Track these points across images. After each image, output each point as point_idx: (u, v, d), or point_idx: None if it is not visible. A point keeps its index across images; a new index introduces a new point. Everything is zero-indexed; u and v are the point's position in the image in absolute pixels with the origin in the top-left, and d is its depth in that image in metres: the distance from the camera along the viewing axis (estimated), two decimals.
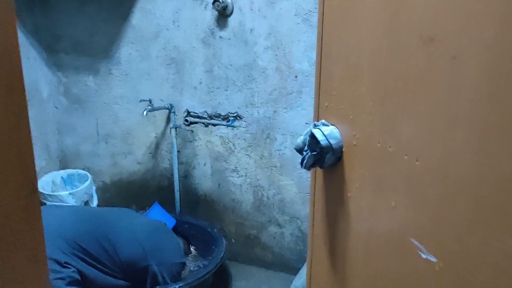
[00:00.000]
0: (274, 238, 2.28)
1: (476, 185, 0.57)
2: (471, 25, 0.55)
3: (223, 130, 2.22)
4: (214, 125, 2.23)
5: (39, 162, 2.43)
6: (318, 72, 0.87)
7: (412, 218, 0.68)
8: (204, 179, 2.34)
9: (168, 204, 2.38)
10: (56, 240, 1.57)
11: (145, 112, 2.09)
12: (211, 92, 2.19)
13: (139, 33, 2.22)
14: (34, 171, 0.53)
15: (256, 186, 2.24)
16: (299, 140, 0.86)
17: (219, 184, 2.31)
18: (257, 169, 2.20)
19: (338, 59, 0.82)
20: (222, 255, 2.03)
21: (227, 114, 2.19)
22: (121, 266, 1.70)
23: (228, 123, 2.20)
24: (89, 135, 2.48)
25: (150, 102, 2.23)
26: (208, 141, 2.27)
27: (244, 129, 2.18)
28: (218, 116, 2.21)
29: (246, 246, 2.36)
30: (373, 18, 0.72)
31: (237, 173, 2.26)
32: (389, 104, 0.70)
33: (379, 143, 0.73)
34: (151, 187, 2.46)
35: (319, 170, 0.93)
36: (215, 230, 2.23)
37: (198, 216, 2.37)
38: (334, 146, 0.82)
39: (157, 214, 2.21)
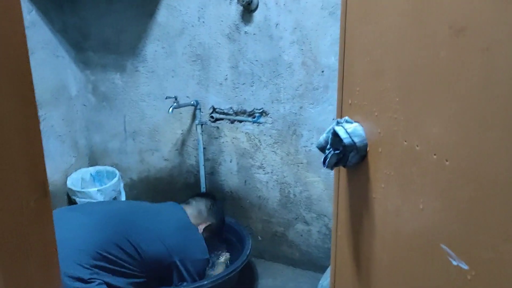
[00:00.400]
0: (301, 235, 2.24)
1: (511, 188, 0.52)
2: (506, 13, 0.50)
3: (248, 126, 2.20)
4: (240, 121, 2.21)
5: (69, 159, 2.46)
6: (341, 67, 0.83)
7: (441, 222, 0.63)
8: (230, 176, 2.32)
9: None
10: (76, 255, 1.52)
11: (170, 109, 2.09)
12: (237, 88, 2.16)
13: (165, 30, 2.21)
14: (45, 174, 0.51)
15: (282, 183, 2.21)
16: (321, 138, 0.83)
17: (245, 181, 2.29)
18: (284, 166, 2.17)
19: (361, 53, 0.77)
20: (248, 253, 2.02)
21: (252, 110, 2.16)
22: (145, 266, 1.69)
23: (253, 119, 2.17)
24: (117, 132, 2.50)
25: (176, 99, 2.22)
26: (234, 137, 2.25)
27: (270, 125, 2.15)
28: (243, 112, 2.19)
29: (273, 244, 2.34)
30: (398, 7, 0.68)
31: (263, 170, 2.23)
32: (416, 100, 0.65)
33: (405, 141, 0.69)
34: (177, 184, 2.46)
35: (343, 169, 0.89)
36: (241, 228, 2.21)
37: (225, 213, 2.35)
38: (358, 144, 0.78)
39: None
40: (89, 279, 1.49)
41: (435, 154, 0.63)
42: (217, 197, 2.37)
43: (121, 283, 1.60)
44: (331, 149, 0.81)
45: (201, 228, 1.97)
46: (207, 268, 1.91)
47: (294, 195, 2.20)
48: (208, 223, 2.01)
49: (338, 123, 0.81)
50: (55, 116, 2.35)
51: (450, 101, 0.59)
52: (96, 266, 1.54)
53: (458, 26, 0.57)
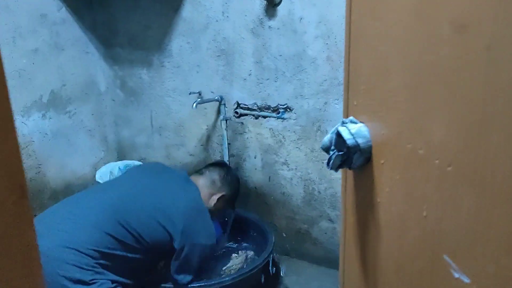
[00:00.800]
0: (326, 233, 2.20)
1: None
2: (506, 10, 0.46)
3: (272, 122, 2.17)
4: (264, 117, 2.19)
5: (98, 153, 2.51)
6: (346, 64, 0.80)
7: (444, 231, 0.60)
8: (254, 172, 2.31)
9: None
10: (74, 257, 1.47)
11: (194, 105, 2.09)
12: (261, 83, 2.14)
13: (190, 25, 2.22)
14: (23, 176, 0.51)
15: (306, 180, 2.18)
16: (326, 138, 0.80)
17: (269, 177, 2.28)
18: (308, 162, 2.13)
19: (366, 50, 0.74)
20: (271, 250, 2.00)
21: (276, 106, 2.14)
22: (146, 250, 1.64)
23: (278, 115, 2.15)
24: (144, 127, 2.53)
25: (200, 94, 2.22)
26: (258, 133, 2.23)
27: (294, 121, 2.12)
28: (267, 108, 2.17)
29: (297, 241, 2.31)
30: (403, 2, 0.64)
31: (287, 166, 2.21)
32: (420, 101, 0.62)
33: (409, 144, 0.65)
34: None
35: (350, 172, 0.86)
36: (264, 224, 2.20)
37: (249, 209, 2.35)
38: (361, 145, 0.75)
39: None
40: (90, 280, 1.46)
41: (437, 159, 0.59)
42: (242, 193, 2.36)
43: (124, 275, 1.58)
44: (335, 150, 0.78)
45: (214, 198, 1.91)
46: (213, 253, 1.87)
47: (319, 192, 2.16)
48: (222, 193, 1.93)
49: (343, 123, 0.78)
50: (84, 111, 2.40)
51: (453, 103, 0.55)
52: (97, 265, 1.50)
53: (459, 22, 0.53)
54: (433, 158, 0.60)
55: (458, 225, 0.56)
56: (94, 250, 1.51)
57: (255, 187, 2.33)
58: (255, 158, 2.28)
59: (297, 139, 2.13)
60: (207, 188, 1.91)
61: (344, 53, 0.81)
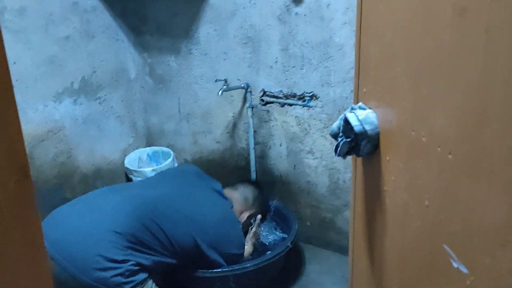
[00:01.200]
0: None
1: (511, 189, 0.47)
2: None
3: (298, 110, 2.16)
4: (290, 105, 2.18)
5: (127, 139, 2.57)
6: (357, 50, 0.78)
7: (444, 221, 0.59)
8: (280, 159, 2.30)
9: None
10: (111, 237, 1.53)
11: (220, 92, 2.10)
12: (287, 71, 2.13)
13: (217, 12, 2.22)
14: (25, 156, 0.53)
15: (332, 169, 2.16)
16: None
17: (294, 166, 2.27)
18: (333, 151, 2.11)
19: (375, 36, 0.72)
20: (293, 238, 2.00)
21: (302, 94, 2.12)
22: (176, 253, 1.68)
23: (303, 103, 2.13)
24: (172, 114, 2.56)
25: (226, 81, 2.23)
26: (283, 121, 2.22)
27: (320, 109, 2.10)
28: (293, 95, 2.15)
29: (321, 230, 2.30)
30: None
31: (313, 155, 2.19)
32: (422, 88, 0.60)
33: (413, 131, 0.63)
34: (229, 166, 2.49)
35: (359, 160, 0.85)
36: (289, 212, 2.20)
37: (274, 197, 2.35)
38: (369, 132, 0.73)
39: None
40: (122, 260, 1.51)
41: (439, 147, 0.58)
42: (267, 180, 2.37)
43: (154, 264, 1.62)
44: (343, 137, 0.77)
45: (245, 215, 1.98)
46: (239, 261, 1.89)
47: (344, 181, 2.14)
48: (252, 211, 2.01)
49: (351, 109, 0.77)
50: (115, 98, 2.45)
51: (453, 90, 0.54)
52: (130, 248, 1.55)
53: (460, 6, 0.51)
54: (435, 145, 0.58)
55: (457, 215, 0.55)
56: (131, 235, 1.56)
57: (280, 175, 2.33)
58: (280, 146, 2.28)
59: (323, 127, 2.11)
60: (239, 205, 1.98)
61: (355, 38, 0.79)
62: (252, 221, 2.04)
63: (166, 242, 1.64)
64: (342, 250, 2.25)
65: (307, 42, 2.03)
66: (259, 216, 2.04)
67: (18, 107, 1.86)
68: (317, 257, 2.27)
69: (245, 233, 1.98)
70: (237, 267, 1.83)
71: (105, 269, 1.49)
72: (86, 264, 1.49)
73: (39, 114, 2.07)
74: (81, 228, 1.56)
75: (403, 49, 0.64)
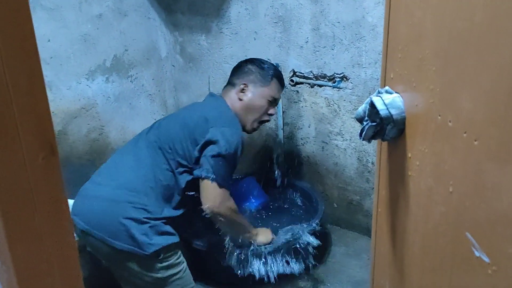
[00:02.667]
0: None
1: None
2: None
3: (328, 91, 2.13)
4: (320, 86, 2.15)
5: (158, 117, 2.60)
6: (386, 32, 0.76)
7: (468, 208, 0.57)
8: (308, 141, 2.29)
9: (272, 164, 2.40)
10: (130, 197, 1.59)
11: None
12: (317, 51, 2.10)
13: None
14: (53, 133, 0.55)
15: (360, 151, 2.14)
16: (360, 108, 0.78)
17: (322, 147, 2.25)
18: (358, 135, 2.08)
19: (405, 16, 0.70)
20: (319, 220, 2.00)
21: (333, 75, 2.09)
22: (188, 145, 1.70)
23: (333, 84, 2.10)
24: (202, 93, 2.57)
25: None
26: (313, 102, 2.20)
27: (350, 90, 2.07)
28: (323, 76, 2.13)
29: (349, 212, 2.29)
30: None
31: (342, 137, 2.17)
32: (451, 71, 0.58)
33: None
34: (257, 146, 2.49)
35: (384, 144, 0.83)
36: (315, 193, 2.20)
37: (301, 178, 2.35)
38: (395, 116, 0.72)
39: (250, 187, 2.22)
40: (144, 218, 1.56)
41: (465, 132, 0.56)
42: (295, 161, 2.36)
43: (177, 205, 1.67)
44: (368, 121, 0.75)
45: (238, 94, 1.87)
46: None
47: (373, 164, 2.12)
48: (242, 83, 1.87)
49: (378, 93, 0.75)
50: (146, 76, 2.48)
51: (482, 73, 0.52)
52: (152, 202, 1.60)
53: None
54: (462, 131, 0.56)
55: (482, 202, 0.53)
56: (151, 187, 1.62)
57: (308, 156, 2.32)
58: (309, 127, 2.26)
59: (353, 109, 2.08)
60: (230, 93, 1.88)
61: (384, 19, 0.77)
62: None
63: (180, 160, 1.68)
64: (369, 232, 2.24)
65: (338, 22, 1.99)
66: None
67: (52, 84, 1.94)
68: (344, 239, 2.27)
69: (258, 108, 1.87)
70: (264, 247, 1.84)
71: (130, 228, 1.53)
72: (114, 228, 1.55)
73: (72, 91, 2.12)
74: (103, 197, 1.62)
75: (432, 30, 0.62)
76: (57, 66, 2.04)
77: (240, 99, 1.85)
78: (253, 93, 1.86)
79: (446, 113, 0.60)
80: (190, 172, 1.69)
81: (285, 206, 2.28)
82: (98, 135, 2.29)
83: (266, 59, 2.23)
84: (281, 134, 2.32)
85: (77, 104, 2.16)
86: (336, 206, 2.32)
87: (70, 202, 1.92)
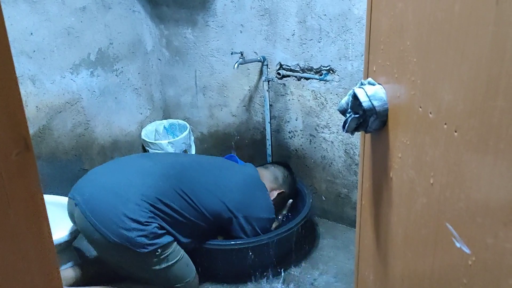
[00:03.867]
0: None
1: None
2: None
3: (315, 84, 2.13)
4: (307, 78, 2.15)
5: (144, 111, 2.58)
6: (368, 21, 0.76)
7: (449, 199, 0.57)
8: (295, 134, 2.29)
9: (260, 158, 2.39)
10: (138, 199, 1.59)
11: (236, 65, 2.08)
12: (304, 44, 2.09)
13: None
14: (26, 129, 0.53)
15: (348, 144, 2.14)
16: (343, 100, 0.77)
17: (310, 140, 2.25)
18: (341, 127, 2.08)
19: (386, 7, 0.69)
20: (307, 212, 2.01)
21: (319, 68, 2.09)
22: (205, 217, 1.74)
23: (320, 77, 2.10)
24: (188, 86, 2.56)
25: (242, 54, 2.21)
26: (300, 95, 2.20)
27: (337, 83, 2.06)
28: (310, 69, 2.12)
29: (337, 205, 2.30)
30: None
31: (329, 130, 2.17)
32: (431, 62, 0.58)
33: (420, 107, 0.62)
34: (245, 140, 2.48)
35: (368, 136, 0.83)
36: (303, 186, 2.20)
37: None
38: (377, 108, 0.72)
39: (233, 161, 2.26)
40: (145, 221, 1.56)
41: (445, 124, 0.56)
42: (283, 154, 2.36)
43: (178, 229, 1.67)
44: (351, 113, 0.75)
45: (274, 193, 1.99)
46: (270, 227, 1.94)
47: None
48: (282, 190, 2.03)
49: (361, 85, 0.75)
50: (131, 70, 2.46)
51: (460, 64, 0.52)
52: (155, 210, 1.60)
53: None
54: (442, 122, 0.56)
55: (461, 193, 0.53)
56: (158, 199, 1.62)
57: (296, 150, 2.32)
58: (296, 120, 2.26)
59: (340, 101, 2.08)
60: (269, 182, 2.00)
61: (366, 11, 0.76)
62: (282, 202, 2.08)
63: (194, 206, 1.69)
64: None
65: (325, 15, 1.98)
66: (290, 201, 2.10)
67: (35, 78, 1.92)
68: (332, 231, 2.28)
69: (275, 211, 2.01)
70: (252, 240, 1.85)
71: (130, 230, 1.54)
72: (112, 222, 1.56)
73: (56, 85, 2.09)
74: (111, 187, 1.63)
75: (413, 21, 0.61)
76: (40, 60, 2.01)
77: (273, 199, 1.97)
78: (279, 202, 2.03)
79: (427, 105, 0.59)
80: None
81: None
82: (84, 130, 2.26)
83: (253, 52, 2.23)
84: (268, 127, 2.31)
85: (61, 99, 2.13)
86: (324, 199, 2.33)
87: (54, 197, 1.91)
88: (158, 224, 1.61)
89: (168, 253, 1.62)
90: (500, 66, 0.44)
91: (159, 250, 1.58)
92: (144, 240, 1.56)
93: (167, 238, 1.62)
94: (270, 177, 2.02)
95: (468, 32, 0.49)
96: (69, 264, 1.83)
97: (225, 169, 1.91)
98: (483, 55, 0.47)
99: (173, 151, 2.37)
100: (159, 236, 1.60)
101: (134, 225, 1.55)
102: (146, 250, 1.56)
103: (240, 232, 1.82)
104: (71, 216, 1.70)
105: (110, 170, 1.75)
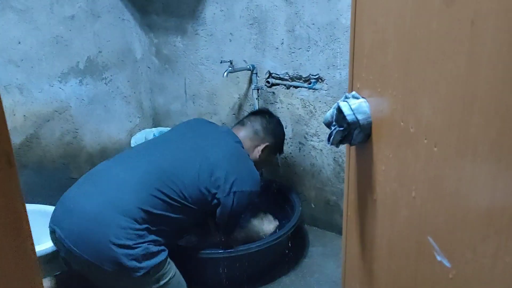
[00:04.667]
0: None
1: (491, 183, 0.46)
2: None
3: (304, 92, 2.14)
4: (296, 87, 2.16)
5: (134, 119, 2.58)
6: (352, 35, 0.77)
7: (429, 213, 0.58)
8: (285, 142, 2.30)
9: None
10: (118, 220, 1.48)
11: (225, 73, 2.09)
12: (293, 53, 2.10)
13: None
14: (9, 143, 0.53)
15: (336, 152, 2.15)
16: (328, 113, 0.78)
17: (299, 148, 2.26)
18: (326, 140, 2.09)
19: (369, 22, 0.71)
20: (297, 220, 2.01)
21: (308, 76, 2.10)
22: (193, 211, 1.64)
23: (309, 85, 2.11)
24: (178, 94, 2.56)
25: (231, 63, 2.22)
26: (289, 103, 2.21)
27: (326, 92, 2.08)
28: (299, 78, 2.13)
29: (326, 212, 2.31)
30: None
31: (318, 137, 2.18)
32: (411, 77, 0.59)
33: (402, 122, 0.62)
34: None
35: (352, 148, 0.84)
36: (292, 194, 2.20)
37: (278, 178, 2.35)
38: (361, 122, 0.72)
39: None
40: (134, 244, 1.47)
41: (426, 138, 0.57)
42: (272, 162, 2.37)
43: (168, 236, 1.59)
44: (336, 126, 0.76)
45: (259, 149, 1.88)
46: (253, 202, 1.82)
47: None
48: (266, 143, 1.90)
49: (345, 98, 0.76)
50: (121, 78, 2.45)
51: (439, 80, 0.53)
52: (140, 225, 1.50)
53: None
54: (423, 137, 0.57)
55: (441, 208, 0.54)
56: (140, 208, 1.51)
57: (285, 157, 2.33)
58: (285, 128, 2.26)
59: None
60: (251, 140, 1.88)
61: (350, 24, 0.77)
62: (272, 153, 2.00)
63: (178, 199, 1.59)
64: None
65: (313, 24, 2.00)
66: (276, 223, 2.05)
67: (23, 87, 1.91)
68: (321, 239, 2.28)
69: (264, 165, 1.99)
70: (241, 248, 1.84)
71: (120, 256, 1.45)
72: (101, 253, 1.46)
73: (45, 94, 2.09)
74: (89, 212, 1.51)
75: (394, 36, 0.62)
76: (28, 68, 2.00)
77: (258, 157, 1.89)
78: (267, 156, 1.94)
79: (408, 119, 0.60)
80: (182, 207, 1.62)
81: (263, 207, 2.27)
82: (72, 138, 2.25)
83: (242, 61, 2.24)
84: None
85: (49, 107, 2.12)
86: (313, 206, 2.33)
87: (42, 207, 1.89)
88: (149, 241, 1.51)
89: (161, 273, 1.55)
90: (475, 84, 0.45)
91: (151, 271, 1.51)
92: (135, 264, 1.47)
93: (159, 258, 1.53)
94: (249, 134, 1.88)
95: (444, 50, 0.50)
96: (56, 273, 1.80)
97: (204, 152, 1.71)
98: (459, 72, 0.48)
99: None
100: (152, 255, 1.51)
101: (122, 250, 1.46)
102: (139, 274, 1.47)
103: (228, 213, 1.69)
104: (56, 245, 1.60)
105: (83, 191, 1.60)
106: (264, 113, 2.00)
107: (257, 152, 1.89)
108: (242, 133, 1.88)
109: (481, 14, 0.44)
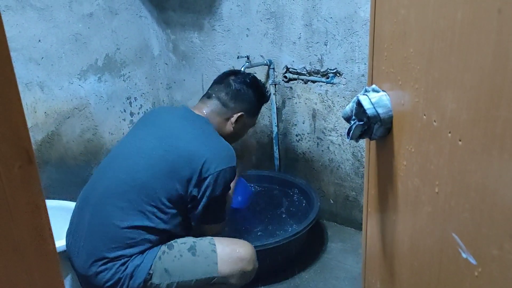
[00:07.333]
0: None
1: None
2: None
3: (322, 87, 2.12)
4: (313, 81, 2.14)
5: None
6: (372, 28, 0.75)
7: (454, 209, 0.56)
8: (303, 137, 2.28)
9: (267, 161, 2.39)
10: (100, 238, 1.41)
11: (242, 69, 2.08)
12: (310, 47, 2.08)
13: None
14: (29, 141, 0.53)
15: (355, 147, 2.13)
16: (348, 107, 0.77)
17: (317, 143, 2.24)
18: (346, 135, 2.07)
19: (389, 13, 0.69)
20: (315, 216, 2.00)
21: (326, 71, 2.08)
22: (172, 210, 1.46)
23: (327, 80, 2.09)
24: (195, 90, 2.56)
25: (248, 58, 2.21)
26: (307, 98, 2.19)
27: (344, 86, 2.05)
28: (317, 72, 2.11)
29: (345, 208, 2.29)
30: None
31: (336, 132, 2.16)
32: (434, 70, 0.57)
33: (424, 115, 0.61)
34: (252, 144, 2.47)
35: (372, 142, 0.82)
36: (310, 189, 2.19)
37: (297, 174, 2.34)
38: (382, 115, 0.71)
39: (241, 188, 2.09)
40: (114, 257, 1.40)
41: (450, 132, 0.55)
42: (290, 158, 2.35)
43: (152, 239, 1.45)
44: (355, 120, 0.74)
45: (232, 121, 1.63)
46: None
47: None
48: (239, 112, 1.64)
49: (365, 91, 0.74)
50: (138, 75, 2.47)
51: (464, 72, 0.51)
52: (122, 239, 1.41)
53: None
54: (446, 130, 0.55)
55: (466, 203, 0.53)
56: (129, 228, 1.41)
57: (303, 153, 2.31)
58: (303, 123, 2.25)
59: (347, 105, 2.07)
60: (219, 115, 1.63)
61: (370, 16, 0.76)
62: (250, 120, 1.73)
63: (157, 205, 1.43)
64: None
65: (331, 17, 1.98)
66: None
67: (44, 85, 1.92)
68: (340, 235, 2.26)
69: (243, 134, 1.77)
70: (258, 244, 1.83)
71: (100, 272, 1.40)
72: (89, 276, 1.42)
73: (64, 91, 2.11)
74: (78, 238, 1.47)
75: (416, 28, 0.61)
76: (48, 66, 2.02)
77: (232, 129, 1.65)
78: (244, 124, 1.70)
79: (431, 113, 0.59)
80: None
81: (282, 202, 2.27)
82: (92, 135, 2.27)
83: (259, 56, 2.23)
84: (275, 131, 2.31)
85: (69, 104, 2.14)
86: (332, 202, 2.31)
87: (64, 203, 1.92)
88: (129, 254, 1.41)
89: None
90: (503, 75, 0.43)
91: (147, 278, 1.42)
92: (127, 280, 1.39)
93: (139, 277, 1.40)
94: (216, 108, 1.62)
95: (470, 40, 0.48)
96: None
97: (164, 153, 1.47)
98: (486, 63, 0.46)
99: None
100: (139, 268, 1.40)
101: (108, 265, 1.39)
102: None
103: (207, 204, 1.48)
104: None
105: (77, 216, 1.52)
106: (228, 77, 1.69)
107: (230, 125, 1.63)
108: (208, 109, 1.62)
109: (508, 2, 0.42)
